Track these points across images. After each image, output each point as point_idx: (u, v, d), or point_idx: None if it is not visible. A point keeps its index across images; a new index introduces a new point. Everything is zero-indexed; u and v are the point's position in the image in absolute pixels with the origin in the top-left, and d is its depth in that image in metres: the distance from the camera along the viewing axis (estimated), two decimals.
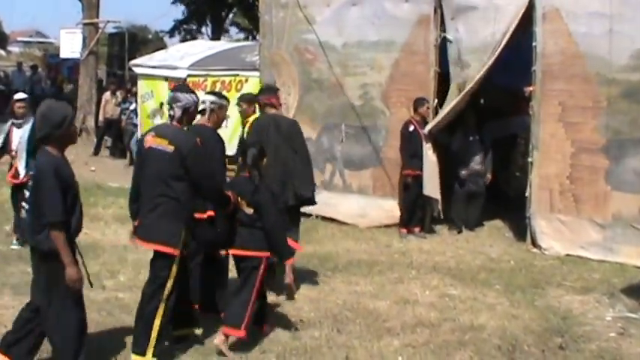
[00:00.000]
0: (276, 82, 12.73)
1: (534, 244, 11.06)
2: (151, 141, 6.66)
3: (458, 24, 11.67)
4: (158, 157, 6.56)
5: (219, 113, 7.96)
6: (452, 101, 11.66)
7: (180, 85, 7.80)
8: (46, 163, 5.85)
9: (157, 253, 6.58)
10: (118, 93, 21.26)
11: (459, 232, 12.14)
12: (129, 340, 7.08)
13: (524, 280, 9.51)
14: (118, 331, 7.37)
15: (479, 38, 11.45)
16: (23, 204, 8.72)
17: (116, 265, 9.87)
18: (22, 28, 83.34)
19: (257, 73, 14.50)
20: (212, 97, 8.03)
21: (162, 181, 6.51)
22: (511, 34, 11.16)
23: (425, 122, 11.90)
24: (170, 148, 6.52)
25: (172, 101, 6.83)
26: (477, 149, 12.46)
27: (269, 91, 9.29)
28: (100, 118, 21.65)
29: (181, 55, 18.32)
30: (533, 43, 11.00)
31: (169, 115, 6.84)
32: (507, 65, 11.59)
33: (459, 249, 11.11)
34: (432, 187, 11.81)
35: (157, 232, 6.51)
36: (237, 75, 16.20)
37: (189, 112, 6.87)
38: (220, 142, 7.92)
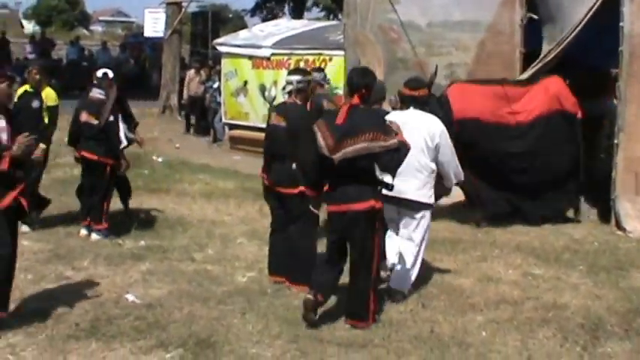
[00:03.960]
0: (360, 61, 12.84)
1: (619, 226, 10.94)
2: None
3: (548, 3, 11.60)
4: None
5: (307, 90, 8.21)
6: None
7: None
8: None
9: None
10: (202, 71, 21.59)
11: None
12: (220, 308, 7.40)
13: (608, 261, 9.46)
14: (209, 301, 7.63)
15: (569, 18, 11.38)
16: None
17: (204, 238, 10.14)
18: (104, 7, 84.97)
19: (340, 52, 14.62)
20: (297, 77, 8.24)
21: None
22: (594, 12, 11.05)
23: None
24: None
25: None
26: None
27: None
28: (184, 95, 22.02)
29: (265, 35, 18.49)
30: (620, 24, 10.89)
31: None
32: (594, 46, 11.49)
33: (542, 229, 11.02)
34: None
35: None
36: (321, 54, 16.32)
37: None
38: (311, 118, 8.13)
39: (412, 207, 7.76)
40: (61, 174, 12.91)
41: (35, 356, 6.24)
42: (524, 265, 9.23)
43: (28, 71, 10.60)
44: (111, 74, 10.30)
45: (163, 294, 7.83)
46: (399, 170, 7.03)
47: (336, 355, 6.39)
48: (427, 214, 7.87)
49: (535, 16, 11.76)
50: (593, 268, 9.14)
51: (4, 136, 6.68)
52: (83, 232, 10.09)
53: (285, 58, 17.03)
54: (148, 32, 26.24)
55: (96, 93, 10.06)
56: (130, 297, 7.63)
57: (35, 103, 10.17)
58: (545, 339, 6.88)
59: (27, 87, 10.42)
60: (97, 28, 71.54)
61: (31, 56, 29.94)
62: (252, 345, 6.54)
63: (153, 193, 12.95)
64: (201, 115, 21.25)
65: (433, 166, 7.79)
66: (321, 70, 10.75)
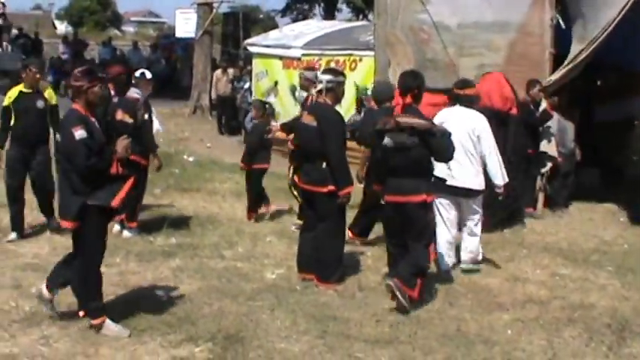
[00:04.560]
0: (390, 61, 12.87)
1: None
2: None
3: (579, 3, 11.57)
4: None
5: (337, 90, 8.25)
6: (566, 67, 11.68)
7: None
8: None
9: None
10: (229, 70, 21.67)
11: (566, 207, 12.22)
12: (248, 304, 7.49)
13: (637, 263, 9.42)
14: (238, 297, 7.72)
15: (600, 18, 11.34)
16: None
17: (234, 236, 10.25)
18: (135, 8, 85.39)
19: (371, 53, 14.64)
20: (328, 76, 8.28)
21: None
22: (625, 12, 11.01)
23: (536, 104, 11.88)
24: None
25: None
26: (570, 128, 12.45)
27: None
28: (213, 95, 22.13)
29: (296, 35, 18.56)
30: None
31: None
32: (625, 45, 11.43)
33: (571, 231, 11.05)
34: None
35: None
36: (351, 54, 16.37)
37: None
38: (341, 119, 8.21)
39: (469, 194, 8.67)
40: None
41: (68, 348, 6.36)
42: (552, 265, 9.25)
43: (27, 70, 9.97)
44: (149, 74, 10.47)
45: (193, 290, 7.93)
46: (452, 164, 7.98)
47: (362, 352, 6.45)
48: (481, 198, 8.83)
49: (562, 23, 11.71)
50: (621, 269, 9.13)
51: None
52: (116, 228, 10.20)
53: (316, 58, 17.09)
54: (180, 33, 26.34)
55: (132, 92, 10.17)
56: (161, 292, 7.76)
57: (40, 104, 9.93)
58: (571, 338, 6.90)
59: (21, 87, 9.96)
60: (129, 28, 71.83)
61: (64, 56, 30.27)
62: (281, 340, 6.62)
63: (184, 192, 13.12)
64: (232, 115, 21.33)
65: (479, 157, 8.67)
66: (312, 69, 10.99)
